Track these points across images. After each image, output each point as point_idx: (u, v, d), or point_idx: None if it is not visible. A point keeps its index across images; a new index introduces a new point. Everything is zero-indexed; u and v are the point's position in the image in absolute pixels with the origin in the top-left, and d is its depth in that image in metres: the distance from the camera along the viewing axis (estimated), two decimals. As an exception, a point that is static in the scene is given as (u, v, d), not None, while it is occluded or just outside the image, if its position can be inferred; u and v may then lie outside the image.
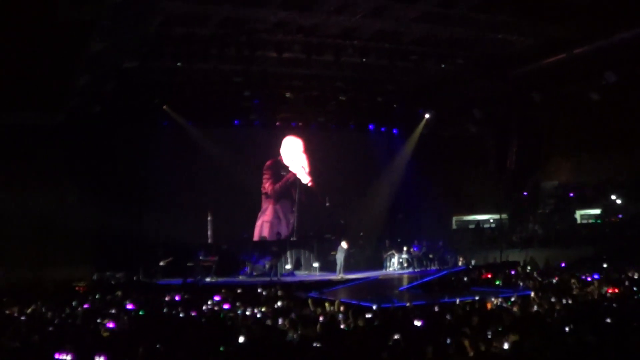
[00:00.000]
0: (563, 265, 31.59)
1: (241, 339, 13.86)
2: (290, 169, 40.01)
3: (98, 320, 16.72)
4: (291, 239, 38.18)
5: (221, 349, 12.80)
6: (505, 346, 12.59)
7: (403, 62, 30.38)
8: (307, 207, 39.83)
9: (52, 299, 23.25)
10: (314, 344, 12.91)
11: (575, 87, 33.35)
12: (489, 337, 13.25)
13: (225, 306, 20.49)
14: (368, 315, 16.78)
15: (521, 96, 35.57)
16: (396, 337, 13.20)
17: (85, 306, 21.34)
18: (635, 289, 21.85)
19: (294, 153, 40.28)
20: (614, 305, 17.63)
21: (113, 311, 19.08)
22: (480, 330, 13.75)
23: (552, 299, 18.94)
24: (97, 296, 24.10)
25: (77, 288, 28.03)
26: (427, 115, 39.67)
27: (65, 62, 26.21)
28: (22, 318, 18.46)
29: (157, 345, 12.96)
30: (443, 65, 31.07)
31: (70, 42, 24.43)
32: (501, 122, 40.29)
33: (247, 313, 18.92)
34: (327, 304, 19.69)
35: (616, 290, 21.39)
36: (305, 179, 40.04)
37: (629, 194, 36.38)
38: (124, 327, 16.06)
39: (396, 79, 34.25)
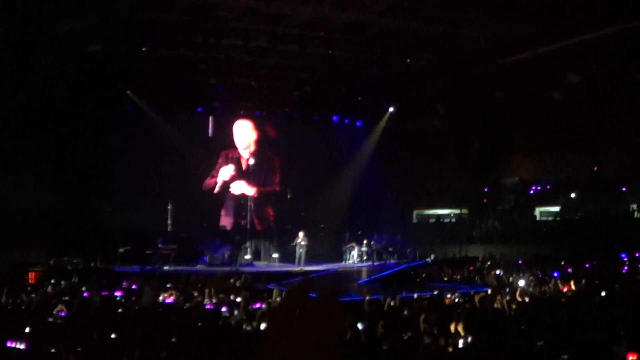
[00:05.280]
0: (521, 262, 31.71)
1: (196, 329, 13.82)
2: (239, 152, 39.90)
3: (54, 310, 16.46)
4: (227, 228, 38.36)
5: (173, 339, 12.73)
6: (461, 343, 12.62)
7: (368, 55, 30.35)
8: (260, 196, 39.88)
9: (7, 283, 22.99)
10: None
11: (538, 86, 33.52)
12: (446, 333, 13.26)
13: (182, 296, 20.41)
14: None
15: (485, 93, 35.73)
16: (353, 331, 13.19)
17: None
18: (591, 288, 21.96)
19: (244, 136, 40.19)
20: (570, 303, 17.72)
21: (67, 298, 18.89)
22: (438, 326, 13.77)
23: (508, 297, 19.03)
24: (52, 281, 23.87)
25: (31, 274, 27.66)
26: (391, 109, 39.77)
27: (29, 41, 25.95)
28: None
29: (112, 335, 12.86)
30: (408, 60, 31.09)
31: (35, 21, 24.22)
32: (464, 117, 40.39)
33: (205, 303, 18.87)
34: (281, 297, 19.68)
35: (573, 289, 21.52)
36: (251, 160, 39.74)
37: (587, 193, 36.64)
38: (78, 315, 15.90)
39: (361, 72, 34.21)
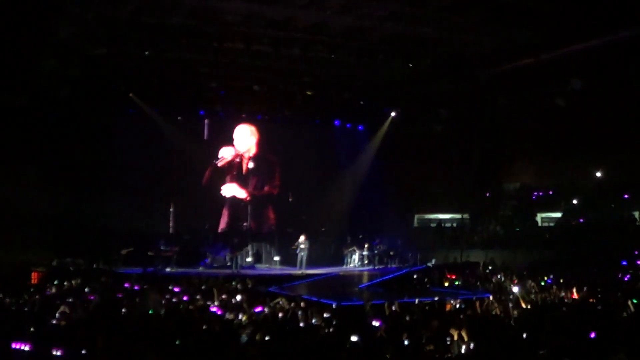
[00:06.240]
0: (522, 268, 31.67)
1: (199, 333, 13.82)
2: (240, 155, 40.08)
3: (57, 312, 16.45)
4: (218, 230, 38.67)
5: (177, 342, 12.74)
6: (463, 350, 12.63)
7: (371, 60, 30.37)
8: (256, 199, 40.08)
9: (10, 283, 23.06)
10: (271, 343, 12.89)
11: (541, 92, 33.50)
12: (447, 340, 13.27)
13: (184, 298, 20.42)
14: (326, 315, 16.73)
15: (487, 98, 35.73)
16: (354, 338, 13.18)
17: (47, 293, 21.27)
18: (594, 295, 21.94)
19: (244, 139, 40.28)
20: (572, 310, 17.72)
21: (71, 300, 18.90)
22: (439, 333, 13.77)
23: (510, 304, 19.01)
24: (55, 282, 23.90)
25: (34, 274, 27.69)
26: (393, 113, 39.81)
27: (32, 44, 26.07)
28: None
29: (116, 337, 12.85)
30: (411, 64, 31.11)
31: (38, 24, 24.33)
32: (466, 122, 40.39)
33: (207, 305, 18.88)
34: (285, 300, 19.67)
35: (575, 296, 21.50)
36: (251, 164, 39.95)
37: (590, 199, 36.65)
38: (81, 317, 15.91)
39: (363, 76, 34.22)
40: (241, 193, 39.53)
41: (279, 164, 40.66)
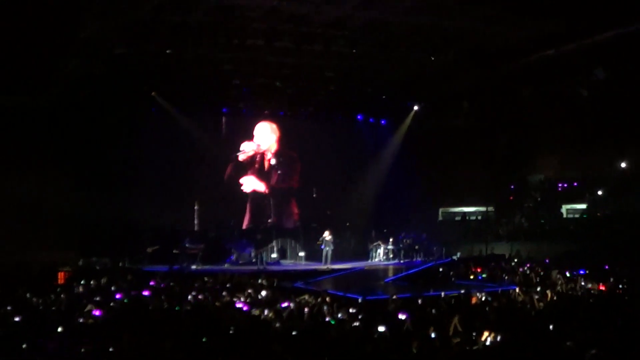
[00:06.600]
0: (547, 260, 31.59)
1: (225, 330, 13.84)
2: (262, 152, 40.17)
3: (85, 309, 16.52)
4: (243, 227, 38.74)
5: (204, 339, 12.76)
6: (488, 342, 12.61)
7: (393, 54, 30.28)
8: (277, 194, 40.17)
9: (37, 284, 23.17)
10: (299, 336, 12.91)
11: (564, 83, 33.33)
12: (473, 332, 13.25)
13: (211, 295, 20.44)
14: (352, 310, 16.71)
15: (510, 90, 35.55)
16: (381, 329, 13.20)
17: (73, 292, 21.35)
18: (620, 286, 21.87)
19: (265, 137, 40.35)
20: (599, 302, 17.65)
21: (98, 298, 18.94)
22: (465, 326, 13.76)
23: (536, 296, 18.95)
24: (82, 282, 23.97)
25: (60, 274, 27.80)
26: (415, 107, 39.72)
27: (55, 44, 26.18)
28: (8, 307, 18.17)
29: (142, 335, 12.90)
30: (433, 58, 31.01)
31: (61, 24, 24.42)
32: (489, 115, 40.25)
33: (233, 302, 18.89)
34: (309, 296, 19.68)
35: (601, 287, 21.41)
36: (273, 160, 40.10)
37: (615, 190, 36.48)
38: (108, 315, 15.97)
39: (386, 70, 34.12)
40: (260, 186, 39.64)
41: (300, 160, 40.67)
